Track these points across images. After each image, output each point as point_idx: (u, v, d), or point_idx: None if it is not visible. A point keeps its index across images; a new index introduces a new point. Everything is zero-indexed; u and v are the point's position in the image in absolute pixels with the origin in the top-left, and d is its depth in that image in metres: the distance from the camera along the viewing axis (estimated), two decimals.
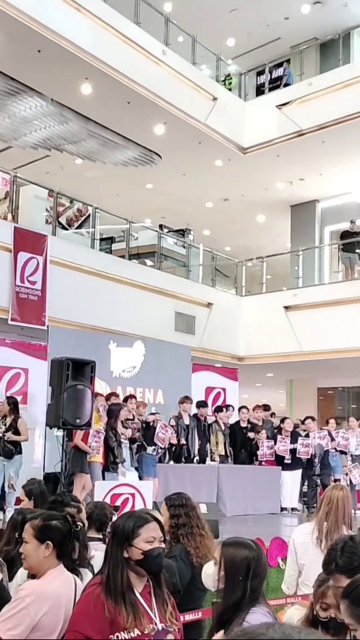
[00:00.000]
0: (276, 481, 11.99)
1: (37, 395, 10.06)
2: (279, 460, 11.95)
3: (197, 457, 11.59)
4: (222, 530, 8.29)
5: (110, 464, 9.54)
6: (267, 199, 18.33)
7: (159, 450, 10.38)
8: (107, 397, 10.55)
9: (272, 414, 13.50)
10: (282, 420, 12.53)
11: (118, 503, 6.98)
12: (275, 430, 12.35)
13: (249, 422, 12.53)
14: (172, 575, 3.72)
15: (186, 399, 11.47)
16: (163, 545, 2.77)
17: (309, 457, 11.81)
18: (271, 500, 11.85)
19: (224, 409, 12.33)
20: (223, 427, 12.17)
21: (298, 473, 11.89)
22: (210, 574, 2.76)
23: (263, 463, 12.08)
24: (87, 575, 3.18)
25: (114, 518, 4.62)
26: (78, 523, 3.06)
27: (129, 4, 13.40)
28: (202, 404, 12.06)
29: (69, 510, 3.50)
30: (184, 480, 10.49)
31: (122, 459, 9.74)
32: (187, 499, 4.18)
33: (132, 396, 11.02)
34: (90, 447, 9.09)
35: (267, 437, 12.19)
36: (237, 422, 12.57)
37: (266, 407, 13.24)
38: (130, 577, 2.65)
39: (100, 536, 4.38)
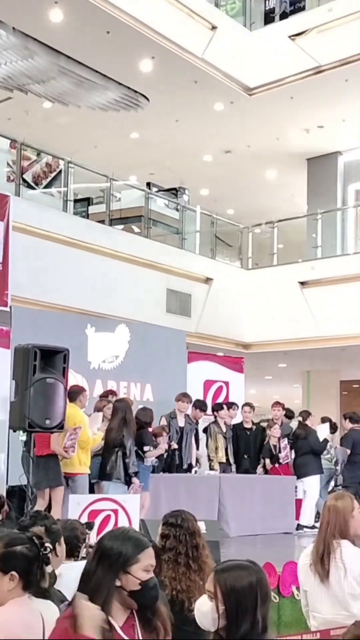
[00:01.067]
0: (290, 493, 12.02)
1: None
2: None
3: (197, 467, 11.56)
4: (224, 554, 8.25)
5: (115, 478, 9.48)
6: (279, 150, 18.28)
7: (154, 460, 10.34)
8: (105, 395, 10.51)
9: (289, 415, 13.44)
10: (304, 417, 12.58)
11: (97, 521, 6.96)
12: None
13: (253, 423, 12.55)
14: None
15: (184, 396, 11.44)
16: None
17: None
18: (285, 516, 11.89)
19: (225, 407, 12.32)
20: (224, 429, 12.17)
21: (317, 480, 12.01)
22: (206, 612, 2.71)
23: (276, 469, 12.13)
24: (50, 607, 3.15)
25: (88, 539, 4.60)
26: (47, 545, 3.05)
27: None
28: (199, 405, 12.02)
29: (35, 530, 3.48)
30: (178, 493, 10.50)
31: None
32: (184, 520, 4.23)
33: (111, 392, 10.97)
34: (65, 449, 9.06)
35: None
36: (240, 424, 12.60)
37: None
38: (113, 609, 2.64)
39: (72, 561, 4.36)
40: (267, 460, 12.19)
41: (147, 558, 2.73)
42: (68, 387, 8.47)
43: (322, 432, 12.64)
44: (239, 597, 2.56)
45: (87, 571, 2.75)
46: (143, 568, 2.71)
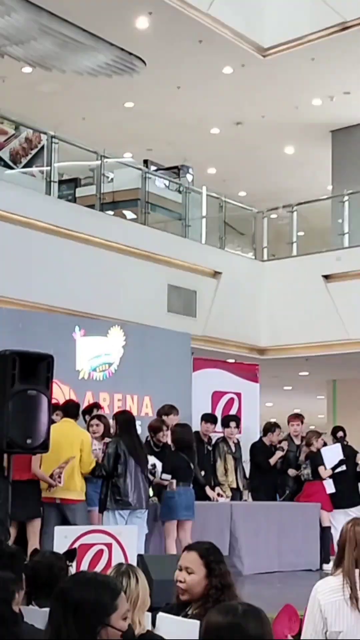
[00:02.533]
0: (314, 524, 12.03)
1: None
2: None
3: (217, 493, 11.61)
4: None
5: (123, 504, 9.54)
6: (298, 121, 18.31)
7: None
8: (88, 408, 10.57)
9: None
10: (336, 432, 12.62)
11: (88, 557, 6.98)
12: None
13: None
14: None
15: (172, 409, 11.43)
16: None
17: None
18: (307, 550, 11.90)
19: (233, 422, 12.35)
20: (234, 449, 12.20)
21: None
22: None
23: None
24: None
25: (72, 570, 4.62)
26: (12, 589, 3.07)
27: None
28: (208, 418, 12.04)
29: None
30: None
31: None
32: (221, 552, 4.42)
33: (96, 404, 10.97)
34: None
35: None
36: (260, 441, 12.64)
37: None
38: None
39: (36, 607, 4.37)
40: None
41: (124, 604, 2.75)
42: (53, 400, 8.49)
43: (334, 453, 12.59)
44: (208, 637, 2.58)
45: (57, 630, 2.70)
46: (122, 616, 2.72)
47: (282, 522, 11.89)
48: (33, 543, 8.91)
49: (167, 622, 4.32)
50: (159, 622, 4.37)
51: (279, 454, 12.38)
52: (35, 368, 7.98)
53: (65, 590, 2.76)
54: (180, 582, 4.34)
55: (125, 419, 9.97)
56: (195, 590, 4.33)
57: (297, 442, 12.82)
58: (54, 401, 10.72)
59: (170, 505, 10.28)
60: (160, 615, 4.37)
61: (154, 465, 10.37)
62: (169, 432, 10.81)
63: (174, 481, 10.22)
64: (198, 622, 4.19)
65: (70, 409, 10.13)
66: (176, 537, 10.17)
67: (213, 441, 12.22)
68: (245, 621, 2.54)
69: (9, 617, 3.22)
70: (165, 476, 10.25)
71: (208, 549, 4.41)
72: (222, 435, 12.37)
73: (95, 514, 9.90)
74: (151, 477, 10.27)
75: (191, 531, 10.24)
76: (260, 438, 12.76)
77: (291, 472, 12.55)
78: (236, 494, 12.11)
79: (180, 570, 4.36)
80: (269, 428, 12.77)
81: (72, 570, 5.07)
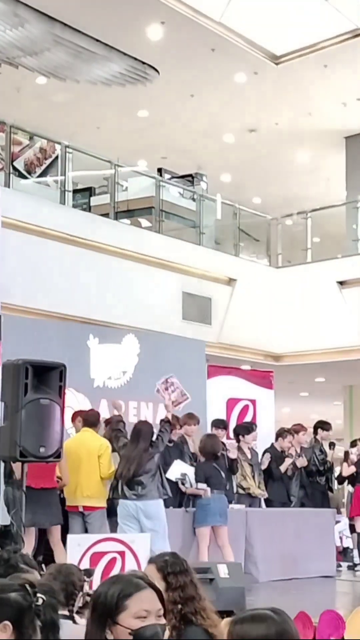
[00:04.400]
0: (329, 530, 12.00)
1: None
2: None
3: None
4: (251, 603, 8.29)
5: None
6: (312, 128, 18.30)
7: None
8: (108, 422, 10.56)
9: (331, 444, 13.44)
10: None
11: (101, 566, 6.99)
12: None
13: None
14: None
15: (189, 418, 11.44)
16: (163, 621, 2.76)
17: None
18: (324, 557, 11.87)
19: (248, 430, 12.32)
20: (250, 455, 12.18)
21: None
22: None
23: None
24: None
25: (87, 586, 4.61)
26: (39, 595, 3.06)
27: None
28: (218, 424, 12.01)
29: (28, 577, 3.49)
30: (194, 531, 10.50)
31: None
32: (186, 562, 4.24)
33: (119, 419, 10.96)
34: None
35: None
36: (272, 447, 12.61)
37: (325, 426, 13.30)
38: None
39: (67, 612, 4.38)
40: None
41: (138, 602, 2.69)
42: (75, 408, 8.51)
43: None
44: None
45: (87, 626, 2.77)
46: (134, 615, 2.67)
47: (297, 529, 11.86)
48: (59, 551, 8.93)
49: None
50: None
51: (288, 460, 12.34)
52: (48, 377, 7.99)
53: (96, 590, 2.83)
54: None
55: (135, 430, 9.99)
56: None
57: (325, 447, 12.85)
58: (77, 408, 10.88)
59: (205, 511, 10.52)
60: None
61: (184, 475, 10.73)
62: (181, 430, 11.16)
63: (209, 489, 10.49)
64: None
65: (89, 418, 10.18)
66: (209, 543, 10.39)
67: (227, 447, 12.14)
68: (288, 625, 2.56)
69: (56, 623, 3.26)
70: (201, 485, 10.53)
71: (166, 561, 4.25)
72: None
73: None
74: (182, 487, 10.73)
75: (192, 539, 10.25)
76: (272, 444, 12.73)
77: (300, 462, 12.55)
78: (254, 501, 12.07)
79: None
80: (280, 433, 12.74)
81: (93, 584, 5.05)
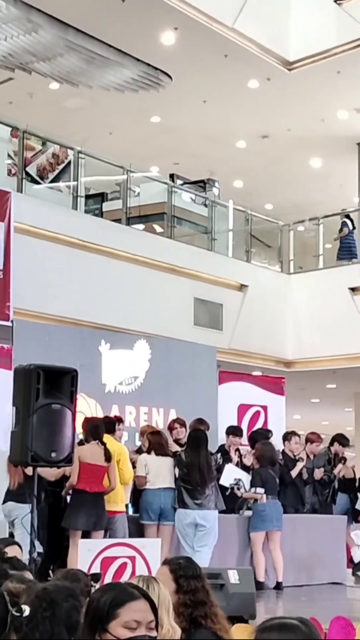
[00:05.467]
0: (340, 537, 11.99)
1: None
2: None
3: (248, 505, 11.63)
4: (261, 609, 8.29)
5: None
6: (324, 134, 18.29)
7: None
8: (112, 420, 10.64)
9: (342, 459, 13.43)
10: None
11: (112, 571, 7.02)
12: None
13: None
14: None
15: (199, 423, 11.49)
16: (154, 634, 2.74)
17: None
18: (334, 563, 11.86)
19: (265, 437, 12.33)
20: None
21: None
22: None
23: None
24: None
25: (93, 591, 4.63)
26: (23, 606, 3.05)
27: None
28: (233, 431, 12.03)
29: (10, 586, 3.48)
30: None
31: None
32: (199, 568, 4.32)
33: (118, 419, 11.01)
34: None
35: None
36: (282, 453, 12.60)
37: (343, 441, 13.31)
38: None
39: None
40: None
41: (130, 612, 2.68)
42: (76, 413, 8.54)
43: None
44: None
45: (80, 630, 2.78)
46: (123, 624, 2.66)
47: (308, 535, 11.85)
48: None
49: None
50: None
51: (299, 465, 12.32)
52: (60, 382, 8.04)
53: (91, 596, 2.85)
54: None
55: (194, 437, 10.47)
56: None
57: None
58: (88, 414, 10.94)
59: (261, 517, 10.99)
60: None
61: (237, 480, 11.15)
62: (183, 430, 11.33)
63: (264, 495, 10.98)
64: None
65: (106, 425, 10.22)
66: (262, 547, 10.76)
67: (242, 453, 12.14)
68: (316, 637, 2.54)
69: (79, 624, 3.28)
70: (259, 490, 10.99)
71: (179, 564, 4.35)
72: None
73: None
74: (237, 492, 11.15)
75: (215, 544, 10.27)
76: (282, 450, 12.72)
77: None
78: None
79: None
80: (285, 436, 12.71)
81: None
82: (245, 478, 11.19)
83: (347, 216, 17.52)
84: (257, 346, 15.91)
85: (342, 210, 18.23)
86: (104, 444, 9.53)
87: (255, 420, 13.83)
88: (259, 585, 10.39)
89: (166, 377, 12.70)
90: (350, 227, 17.24)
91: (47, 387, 7.92)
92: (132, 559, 7.18)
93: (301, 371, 16.62)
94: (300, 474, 12.22)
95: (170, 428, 11.58)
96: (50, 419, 7.84)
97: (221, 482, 10.96)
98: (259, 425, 13.62)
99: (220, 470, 11.05)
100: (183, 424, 11.47)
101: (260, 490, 10.98)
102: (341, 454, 13.28)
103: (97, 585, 4.89)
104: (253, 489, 11.05)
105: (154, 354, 12.67)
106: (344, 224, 17.31)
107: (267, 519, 11.00)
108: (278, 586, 10.89)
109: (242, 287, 15.99)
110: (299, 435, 12.79)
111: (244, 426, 13.29)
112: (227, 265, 16.05)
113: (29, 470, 8.66)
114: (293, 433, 12.82)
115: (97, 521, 9.30)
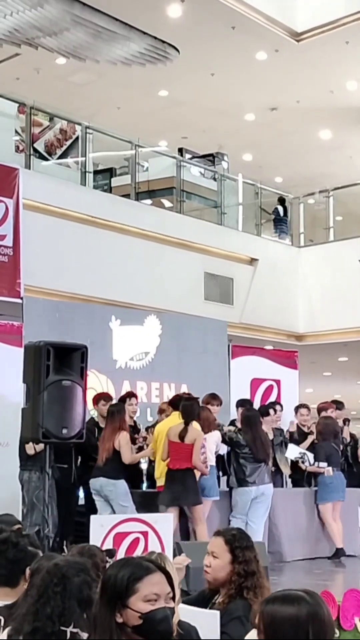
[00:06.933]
0: (353, 509, 11.97)
1: (8, 396, 10.13)
2: None
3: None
4: (275, 582, 8.28)
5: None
6: (333, 105, 18.21)
7: None
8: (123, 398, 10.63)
9: (346, 420, 13.41)
10: None
11: (124, 546, 6.99)
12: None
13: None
14: None
15: (212, 398, 11.47)
16: (172, 605, 2.78)
17: None
18: (348, 536, 11.84)
19: (271, 410, 12.30)
20: (271, 436, 12.17)
21: None
22: None
23: None
24: None
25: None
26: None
27: None
28: (242, 403, 12.02)
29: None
30: (217, 510, 10.51)
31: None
32: (251, 539, 4.51)
33: (131, 394, 11.01)
34: None
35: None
36: (297, 427, 12.57)
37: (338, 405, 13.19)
38: None
39: None
40: None
41: (149, 586, 2.72)
42: (87, 389, 8.54)
43: None
44: (277, 631, 2.54)
45: (94, 608, 2.80)
46: (143, 598, 2.70)
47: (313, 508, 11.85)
48: (201, 530, 9.33)
49: (187, 613, 4.32)
50: (182, 614, 4.39)
51: (310, 438, 12.30)
52: (70, 358, 8.02)
53: (105, 573, 2.87)
54: (207, 566, 4.39)
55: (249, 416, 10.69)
56: (219, 575, 4.38)
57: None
58: (99, 390, 10.96)
59: (328, 489, 11.32)
60: (181, 606, 4.39)
61: (303, 454, 11.58)
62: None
63: (330, 468, 11.26)
64: (217, 612, 4.24)
65: (177, 403, 10.21)
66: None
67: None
68: (321, 608, 2.56)
69: (92, 600, 3.29)
70: (322, 464, 11.28)
71: (234, 535, 4.48)
72: None
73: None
74: (302, 466, 11.53)
75: (214, 517, 10.31)
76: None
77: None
78: (277, 480, 12.05)
79: (208, 554, 4.41)
80: (295, 409, 12.73)
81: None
82: (309, 452, 11.63)
83: (281, 202, 17.49)
84: (268, 320, 15.91)
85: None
86: (187, 423, 9.51)
87: (269, 394, 13.79)
88: (339, 552, 11.17)
89: (177, 353, 12.70)
90: (282, 213, 17.28)
91: (58, 364, 7.91)
92: (145, 534, 7.13)
93: (312, 344, 16.62)
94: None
95: (161, 410, 11.52)
96: (60, 396, 7.83)
97: (287, 455, 11.64)
98: (272, 399, 13.59)
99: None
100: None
101: (323, 464, 11.29)
102: (342, 418, 13.24)
103: (112, 561, 4.92)
104: (317, 463, 11.39)
105: (165, 330, 12.67)
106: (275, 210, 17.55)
107: (334, 490, 11.35)
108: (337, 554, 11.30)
109: (252, 261, 15.98)
110: (308, 408, 12.76)
111: (257, 400, 13.26)
112: (237, 239, 16.01)
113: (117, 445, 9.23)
114: (302, 405, 12.81)
115: (185, 497, 9.38)
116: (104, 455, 9.53)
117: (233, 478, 10.39)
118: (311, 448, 11.99)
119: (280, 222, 17.59)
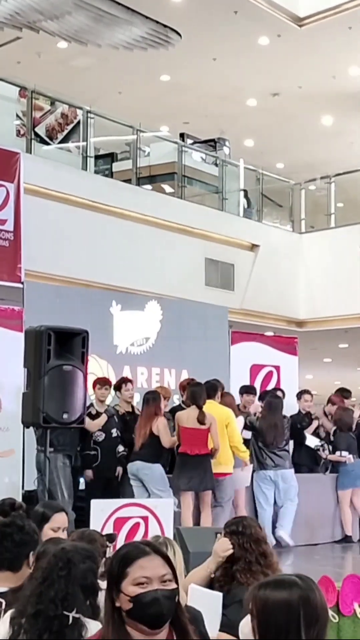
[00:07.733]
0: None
1: (8, 382, 10.11)
2: None
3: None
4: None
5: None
6: (336, 91, 18.16)
7: None
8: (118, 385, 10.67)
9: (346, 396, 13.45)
10: None
11: (124, 531, 7.01)
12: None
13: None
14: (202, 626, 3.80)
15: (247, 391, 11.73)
16: (171, 586, 2.73)
17: None
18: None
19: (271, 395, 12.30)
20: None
21: None
22: (248, 632, 2.71)
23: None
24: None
25: (109, 552, 4.63)
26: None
27: None
28: (246, 390, 12.02)
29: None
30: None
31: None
32: (247, 527, 4.51)
33: (126, 380, 11.00)
34: None
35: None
36: (299, 414, 12.56)
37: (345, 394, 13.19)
38: (132, 636, 2.65)
39: None
40: None
41: (138, 570, 2.70)
42: (87, 374, 8.55)
43: None
44: (269, 615, 2.53)
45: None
46: (132, 582, 2.68)
47: (322, 494, 11.87)
48: (206, 515, 9.48)
49: (193, 592, 4.37)
50: (191, 593, 4.41)
51: (315, 424, 12.32)
52: (71, 343, 8.04)
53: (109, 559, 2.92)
54: None
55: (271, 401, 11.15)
56: None
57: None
58: (99, 375, 10.96)
59: (349, 476, 11.75)
60: (192, 586, 4.41)
61: (323, 443, 12.05)
62: None
63: (351, 456, 11.77)
64: (221, 594, 4.28)
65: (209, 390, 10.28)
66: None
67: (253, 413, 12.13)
68: (313, 592, 2.53)
69: (96, 587, 3.30)
70: (344, 453, 11.79)
71: (228, 522, 4.69)
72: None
73: None
74: (322, 454, 11.96)
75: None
76: (299, 410, 12.69)
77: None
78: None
79: None
80: (297, 395, 12.77)
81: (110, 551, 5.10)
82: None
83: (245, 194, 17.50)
84: (268, 306, 15.91)
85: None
86: (199, 407, 9.58)
87: (268, 380, 13.78)
88: (347, 539, 11.52)
89: (178, 338, 12.69)
90: (246, 205, 17.25)
91: (58, 349, 7.93)
92: (145, 519, 7.17)
93: (313, 331, 16.63)
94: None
95: (183, 387, 11.56)
96: (61, 381, 7.85)
97: (307, 443, 11.96)
98: (271, 385, 13.59)
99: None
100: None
101: (345, 453, 11.75)
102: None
103: (113, 545, 4.92)
104: (338, 452, 11.86)
105: (166, 315, 12.65)
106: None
107: (354, 477, 11.72)
108: None
109: (253, 247, 15.97)
110: (310, 394, 12.77)
111: (257, 386, 13.27)
112: (238, 225, 16.00)
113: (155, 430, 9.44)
114: (305, 391, 12.81)
115: (200, 482, 9.46)
116: (140, 441, 9.69)
117: (255, 461, 10.80)
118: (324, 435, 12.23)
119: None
